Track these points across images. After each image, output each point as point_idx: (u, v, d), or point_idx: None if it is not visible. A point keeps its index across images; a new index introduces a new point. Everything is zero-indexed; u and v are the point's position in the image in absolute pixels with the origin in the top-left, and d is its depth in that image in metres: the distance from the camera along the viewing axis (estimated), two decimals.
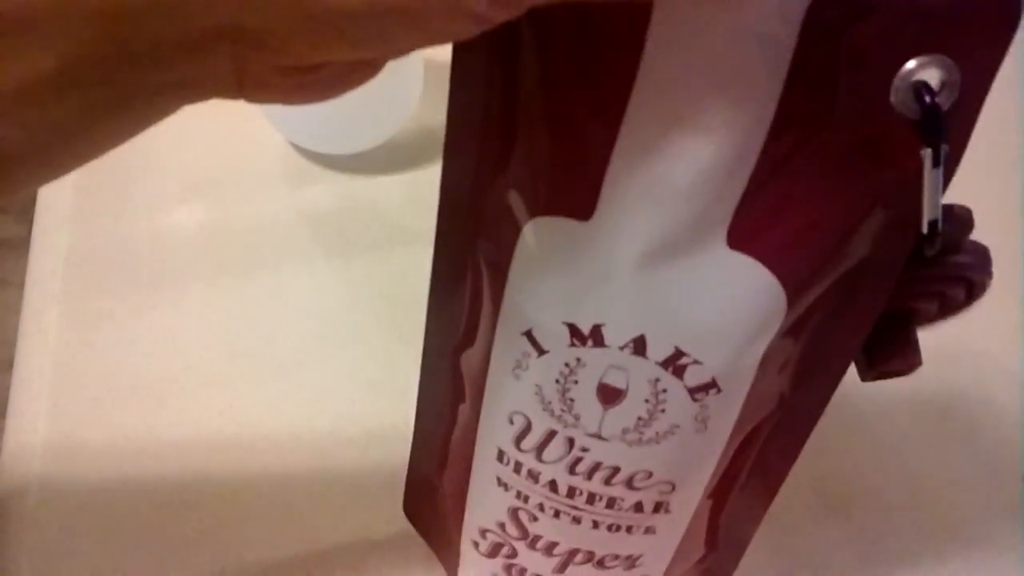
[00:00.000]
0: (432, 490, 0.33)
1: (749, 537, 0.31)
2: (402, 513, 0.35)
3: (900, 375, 0.26)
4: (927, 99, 0.19)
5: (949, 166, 0.20)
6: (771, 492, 0.29)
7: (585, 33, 0.21)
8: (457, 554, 0.32)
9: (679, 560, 0.30)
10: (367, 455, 0.38)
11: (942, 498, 0.39)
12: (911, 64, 0.19)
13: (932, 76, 0.19)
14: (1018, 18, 0.19)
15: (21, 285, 0.43)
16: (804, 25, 0.19)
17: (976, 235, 0.24)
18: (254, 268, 0.44)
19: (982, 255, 0.24)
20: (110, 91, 0.18)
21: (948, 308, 0.25)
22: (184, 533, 0.35)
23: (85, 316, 0.41)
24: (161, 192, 0.47)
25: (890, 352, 0.25)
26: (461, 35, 0.18)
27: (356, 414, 0.39)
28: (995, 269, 0.23)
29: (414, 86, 0.47)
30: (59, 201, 0.46)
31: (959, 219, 0.23)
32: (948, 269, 0.23)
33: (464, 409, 0.29)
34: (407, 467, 0.33)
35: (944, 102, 0.19)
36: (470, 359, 0.28)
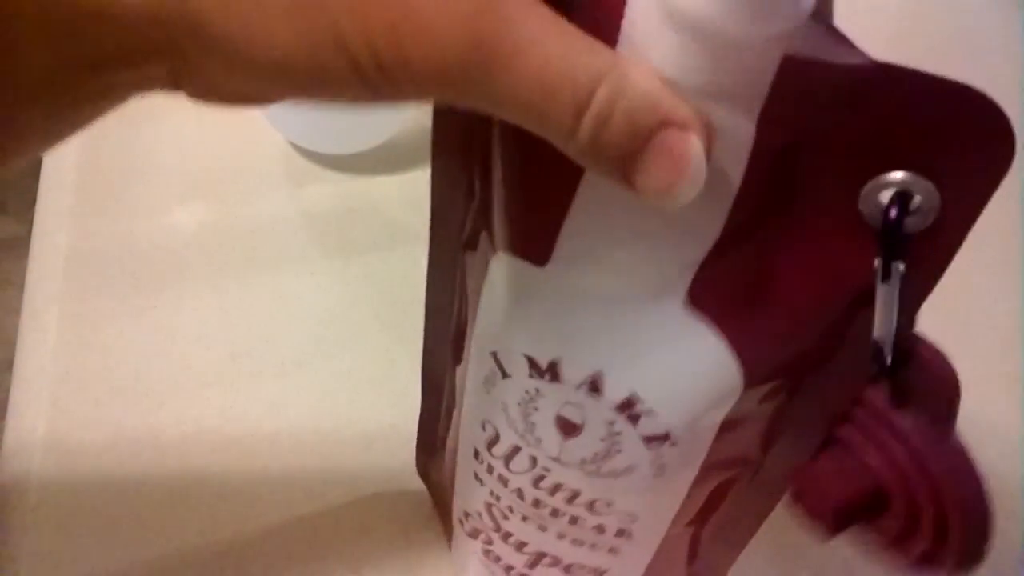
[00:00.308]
0: (436, 457, 0.33)
1: (731, 562, 0.30)
2: (402, 513, 0.36)
3: (806, 519, 0.22)
4: (892, 213, 0.18)
5: (917, 291, 0.19)
6: (753, 527, 0.28)
7: None
8: (451, 525, 0.33)
9: None
10: (367, 455, 0.38)
11: None
12: (884, 178, 0.18)
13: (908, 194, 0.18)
14: (1012, 153, 0.17)
15: (21, 285, 0.43)
16: (762, 112, 0.18)
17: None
18: (254, 268, 0.44)
19: (958, 454, 0.20)
20: (51, 94, 0.19)
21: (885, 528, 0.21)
22: (184, 533, 0.35)
23: (85, 316, 0.41)
24: (161, 192, 0.47)
25: (808, 473, 0.22)
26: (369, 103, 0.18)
27: (356, 414, 0.39)
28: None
29: None
30: (59, 201, 0.46)
31: (930, 368, 0.20)
32: (895, 422, 0.20)
33: (456, 415, 0.29)
34: (416, 429, 0.34)
35: (915, 224, 0.18)
36: (461, 373, 0.28)
